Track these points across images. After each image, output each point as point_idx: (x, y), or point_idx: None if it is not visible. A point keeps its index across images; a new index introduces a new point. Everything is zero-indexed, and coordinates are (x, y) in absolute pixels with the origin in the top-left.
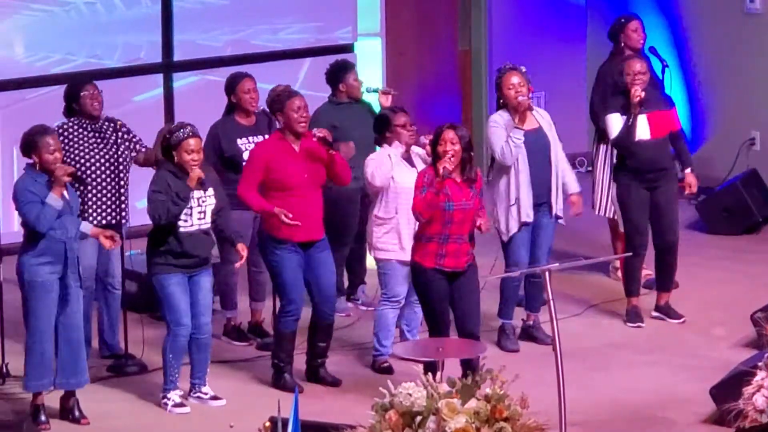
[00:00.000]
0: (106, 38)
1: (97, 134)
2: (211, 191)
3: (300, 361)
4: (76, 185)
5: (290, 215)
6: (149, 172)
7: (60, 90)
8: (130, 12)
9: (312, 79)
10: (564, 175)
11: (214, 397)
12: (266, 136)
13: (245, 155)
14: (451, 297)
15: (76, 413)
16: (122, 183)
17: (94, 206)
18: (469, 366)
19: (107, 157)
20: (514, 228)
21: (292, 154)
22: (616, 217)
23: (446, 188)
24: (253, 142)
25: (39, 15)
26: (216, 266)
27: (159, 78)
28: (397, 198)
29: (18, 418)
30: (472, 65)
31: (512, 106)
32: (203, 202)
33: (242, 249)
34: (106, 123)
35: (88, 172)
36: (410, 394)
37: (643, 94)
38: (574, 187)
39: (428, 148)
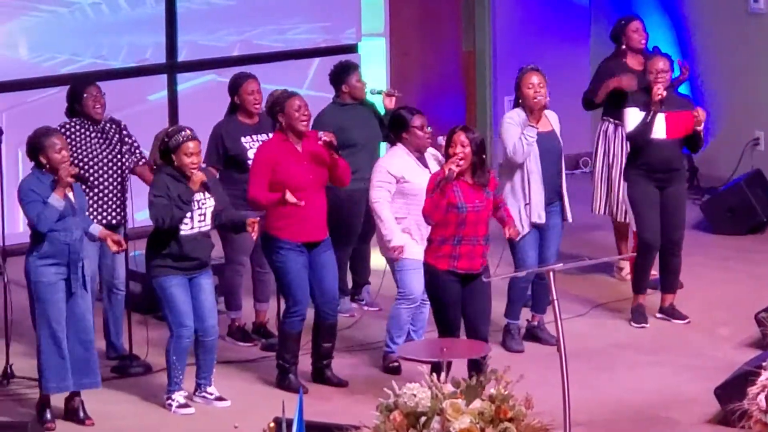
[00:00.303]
0: (111, 39)
1: (100, 135)
2: (209, 186)
3: (305, 362)
4: (82, 186)
5: (299, 201)
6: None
7: (64, 91)
8: (135, 13)
9: (320, 80)
10: None
11: (219, 398)
12: (270, 135)
13: (249, 153)
14: (462, 299)
15: (81, 414)
16: (125, 183)
17: (97, 206)
18: (476, 367)
19: (110, 157)
20: (525, 228)
21: (295, 155)
22: (619, 219)
23: (459, 190)
24: (257, 140)
25: (44, 16)
26: (220, 267)
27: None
28: (409, 198)
29: (23, 418)
30: (476, 66)
31: (529, 105)
32: (203, 204)
33: (253, 221)
34: (109, 124)
35: (91, 171)
36: (415, 395)
37: (665, 93)
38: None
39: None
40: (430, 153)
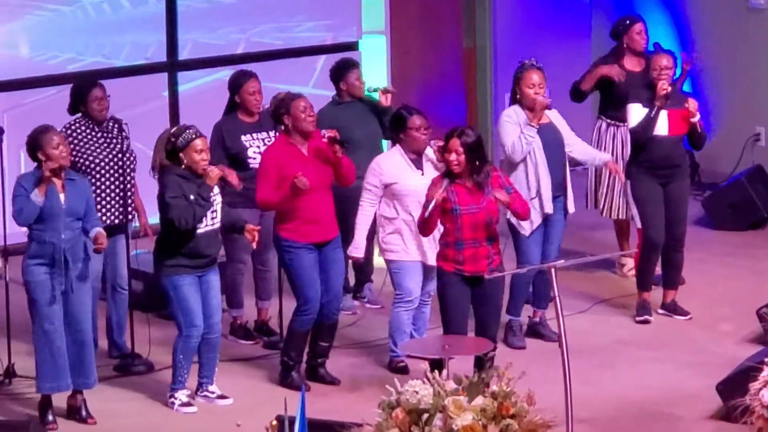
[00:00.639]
0: (113, 37)
1: (103, 134)
2: (217, 189)
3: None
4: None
5: (304, 179)
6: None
7: (67, 91)
8: (137, 11)
9: (326, 78)
10: (587, 152)
11: (221, 396)
12: (270, 133)
13: (249, 152)
14: (472, 300)
15: (83, 413)
16: (128, 182)
17: (100, 206)
18: (481, 364)
19: (111, 156)
20: (537, 221)
21: (300, 158)
22: (604, 215)
23: (454, 193)
24: (258, 138)
25: (46, 15)
26: (222, 265)
27: (181, 76)
28: (400, 199)
29: (25, 417)
30: (476, 63)
31: (528, 104)
32: (213, 200)
33: (252, 229)
34: (112, 122)
35: (94, 171)
36: (417, 392)
37: (669, 89)
38: (604, 156)
39: (437, 154)
40: (428, 155)
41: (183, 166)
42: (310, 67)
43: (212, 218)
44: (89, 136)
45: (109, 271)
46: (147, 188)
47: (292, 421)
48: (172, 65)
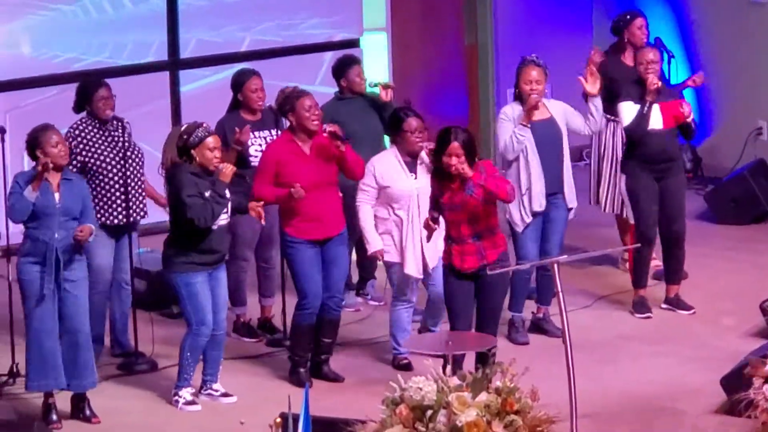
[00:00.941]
0: (115, 37)
1: (108, 133)
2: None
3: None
4: (93, 181)
5: (301, 191)
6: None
7: (69, 91)
8: (138, 9)
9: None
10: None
11: (225, 394)
12: (272, 131)
13: (251, 150)
14: (476, 296)
15: (87, 412)
16: (131, 181)
17: (105, 205)
18: (483, 359)
19: (114, 155)
20: (527, 218)
21: (301, 156)
22: (606, 210)
23: (441, 188)
24: (259, 136)
25: (47, 14)
26: (226, 263)
27: (185, 74)
28: (392, 201)
29: (29, 417)
30: (478, 59)
31: (526, 100)
32: (227, 194)
33: (255, 206)
34: (115, 122)
35: (100, 170)
36: (420, 388)
37: (659, 83)
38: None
39: (429, 156)
40: (422, 158)
41: (194, 164)
42: (316, 63)
43: (224, 213)
44: (96, 136)
45: (114, 267)
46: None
47: (296, 418)
48: (174, 64)
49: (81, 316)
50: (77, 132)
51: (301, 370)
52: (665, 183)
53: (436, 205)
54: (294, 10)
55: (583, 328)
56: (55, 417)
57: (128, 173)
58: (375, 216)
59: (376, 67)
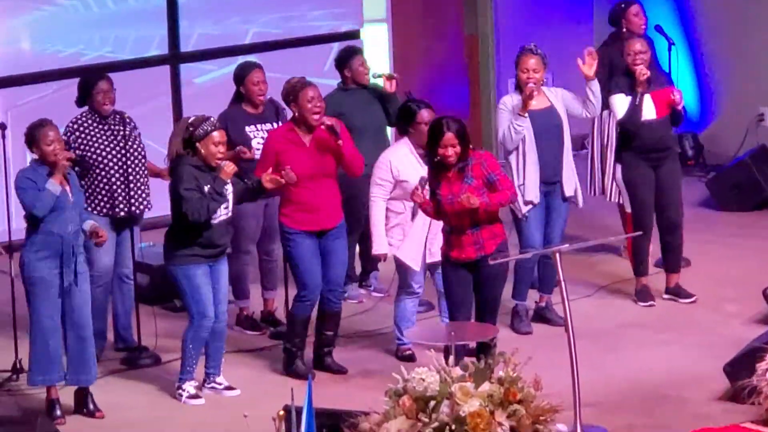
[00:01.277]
0: (116, 31)
1: (107, 127)
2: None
3: (309, 349)
4: (82, 175)
5: (292, 174)
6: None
7: (71, 86)
8: (140, 4)
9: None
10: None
11: (229, 387)
12: (274, 124)
13: (253, 143)
14: (474, 287)
15: (91, 406)
16: (131, 175)
17: (105, 199)
18: (484, 349)
19: (117, 149)
20: (524, 207)
21: (301, 146)
22: (612, 200)
23: (440, 182)
24: (262, 129)
25: (48, 9)
26: (227, 256)
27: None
28: (405, 195)
29: (32, 413)
30: (478, 49)
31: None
32: (226, 191)
33: (270, 173)
34: (116, 116)
35: (101, 164)
36: (423, 379)
37: (648, 73)
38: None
39: None
40: None
41: (197, 157)
42: (323, 54)
43: (225, 208)
44: (95, 130)
45: (115, 262)
46: (157, 182)
47: (299, 410)
48: (175, 57)
49: (87, 310)
50: (75, 126)
51: (298, 361)
52: (661, 171)
53: (432, 195)
54: (295, 2)
55: (586, 317)
56: (59, 412)
57: (129, 166)
58: (387, 209)
59: (377, 58)
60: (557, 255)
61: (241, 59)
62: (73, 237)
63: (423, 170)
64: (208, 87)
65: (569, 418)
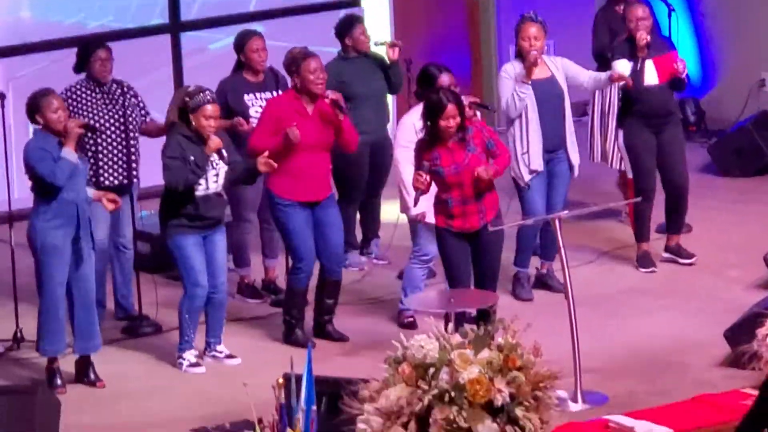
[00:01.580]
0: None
1: (105, 96)
2: (223, 153)
3: (310, 318)
4: (89, 142)
5: (297, 131)
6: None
7: (73, 56)
8: None
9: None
10: (596, 78)
11: (230, 356)
12: (273, 93)
13: (251, 111)
14: (471, 254)
15: (92, 376)
16: (132, 144)
17: (105, 167)
18: (484, 317)
19: (116, 118)
20: (526, 176)
21: (304, 115)
22: (614, 166)
23: (437, 155)
24: (260, 98)
25: None
26: (228, 225)
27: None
28: None
29: (33, 382)
30: (480, 16)
31: (526, 57)
32: (216, 164)
33: (264, 156)
34: (114, 85)
35: (98, 133)
36: (422, 347)
37: (649, 38)
38: (606, 75)
39: (468, 110)
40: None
41: (190, 127)
42: (327, 23)
43: (213, 182)
44: (91, 98)
45: (112, 232)
46: (154, 151)
47: (299, 378)
48: (176, 26)
49: (93, 276)
50: (70, 93)
51: (297, 331)
52: (663, 137)
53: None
54: None
55: (588, 283)
56: (59, 381)
57: (129, 134)
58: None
59: (378, 26)
60: (557, 222)
61: (244, 27)
62: (84, 203)
63: None
64: (216, 56)
65: (569, 385)
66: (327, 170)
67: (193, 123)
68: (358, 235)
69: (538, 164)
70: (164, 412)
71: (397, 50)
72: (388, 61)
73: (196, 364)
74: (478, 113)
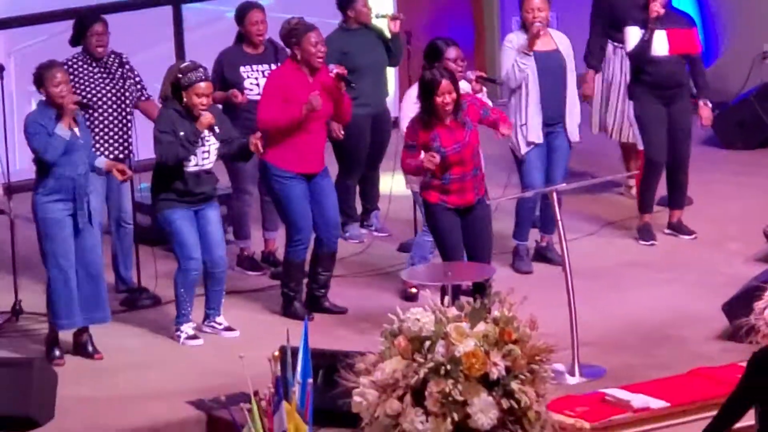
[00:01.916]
0: None
1: (102, 69)
2: (216, 130)
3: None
4: (86, 116)
5: (319, 98)
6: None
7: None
8: None
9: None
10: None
11: (228, 328)
12: (272, 65)
13: (246, 83)
14: (462, 230)
15: (90, 348)
16: (129, 117)
17: (102, 141)
18: (480, 290)
19: (113, 91)
20: (523, 148)
21: (307, 85)
22: (614, 137)
23: (437, 135)
24: (257, 70)
25: None
26: (228, 197)
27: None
28: None
29: (33, 354)
30: None
31: (529, 29)
32: (207, 141)
33: (256, 137)
34: (112, 57)
35: (94, 107)
36: (418, 319)
37: (662, 11)
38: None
39: (474, 84)
40: (462, 89)
41: (183, 103)
42: None
43: (203, 158)
44: (88, 72)
45: (112, 206)
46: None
47: (295, 351)
48: None
49: (98, 249)
50: (67, 67)
51: (296, 303)
52: (672, 108)
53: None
54: None
55: (588, 256)
56: (58, 353)
57: (125, 109)
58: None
59: None
60: (554, 195)
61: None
62: (84, 178)
63: None
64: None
65: (567, 358)
66: (323, 142)
67: (185, 99)
68: (358, 207)
69: (536, 136)
70: (162, 384)
71: (398, 23)
72: (389, 34)
73: (194, 337)
74: (485, 88)
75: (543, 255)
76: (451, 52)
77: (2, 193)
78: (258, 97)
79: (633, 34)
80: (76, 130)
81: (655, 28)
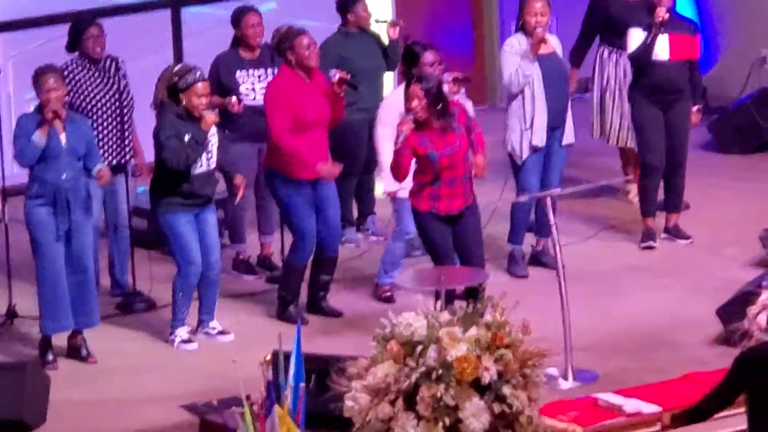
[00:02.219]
0: None
1: (99, 73)
2: (214, 130)
3: (303, 295)
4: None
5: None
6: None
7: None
8: None
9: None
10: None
11: (222, 332)
12: (268, 69)
13: (242, 88)
14: (453, 236)
15: (84, 352)
16: (126, 121)
17: (99, 144)
18: (473, 294)
19: (110, 95)
20: (525, 152)
21: (308, 89)
22: (611, 143)
23: (428, 141)
24: (253, 74)
25: None
26: (224, 200)
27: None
28: None
29: (27, 357)
30: None
31: (530, 33)
32: (208, 142)
33: (240, 180)
34: (109, 61)
35: (92, 111)
36: (411, 324)
37: (667, 16)
38: None
39: (452, 86)
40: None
41: (181, 106)
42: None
43: (207, 159)
44: (85, 76)
45: (109, 211)
46: (148, 127)
47: (287, 355)
48: (176, 1)
49: (88, 254)
50: (64, 71)
51: (291, 307)
52: (670, 113)
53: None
54: None
55: (585, 260)
56: (51, 357)
57: (123, 113)
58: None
59: (380, 3)
60: (548, 199)
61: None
62: (69, 184)
63: None
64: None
65: (562, 362)
66: (326, 146)
67: (184, 102)
68: (355, 211)
69: (540, 140)
70: (156, 388)
71: (397, 29)
72: (387, 40)
73: (189, 341)
74: (462, 89)
75: (538, 259)
76: (428, 56)
77: None
78: (254, 102)
79: (635, 36)
80: (62, 136)
81: (658, 32)
